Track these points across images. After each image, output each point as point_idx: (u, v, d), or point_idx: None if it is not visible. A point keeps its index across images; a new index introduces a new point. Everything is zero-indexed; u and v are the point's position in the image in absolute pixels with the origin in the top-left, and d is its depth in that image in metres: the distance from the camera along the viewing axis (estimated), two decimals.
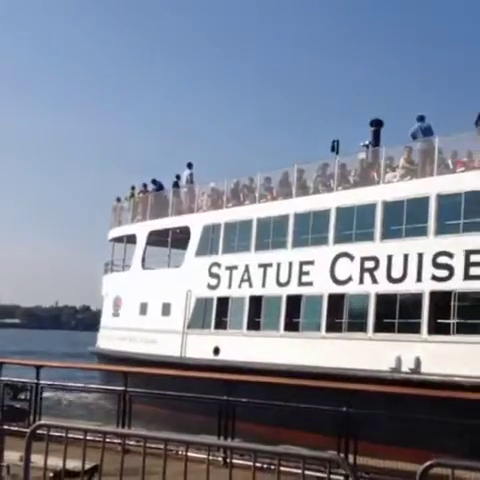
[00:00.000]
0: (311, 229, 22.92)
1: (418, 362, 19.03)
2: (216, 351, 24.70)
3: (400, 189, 20.88)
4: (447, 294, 18.96)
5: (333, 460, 6.20)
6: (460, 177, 19.64)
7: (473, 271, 18.54)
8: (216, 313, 25.40)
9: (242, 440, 10.59)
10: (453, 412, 10.38)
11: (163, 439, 6.64)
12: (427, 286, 19.40)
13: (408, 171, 21.43)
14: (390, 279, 20.32)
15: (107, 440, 7.16)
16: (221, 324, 25.13)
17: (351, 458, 10.53)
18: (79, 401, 27.41)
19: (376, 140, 25.19)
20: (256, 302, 24.05)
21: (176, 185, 30.02)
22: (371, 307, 20.56)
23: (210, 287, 25.86)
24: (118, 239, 32.84)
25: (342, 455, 10.41)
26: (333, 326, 21.49)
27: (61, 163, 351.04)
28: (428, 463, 5.56)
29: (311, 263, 22.57)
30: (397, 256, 20.22)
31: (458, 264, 18.83)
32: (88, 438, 6.73)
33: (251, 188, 26.75)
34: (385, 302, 20.39)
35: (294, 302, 22.77)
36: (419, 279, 19.62)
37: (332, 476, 6.21)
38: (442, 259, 19.22)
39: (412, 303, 19.79)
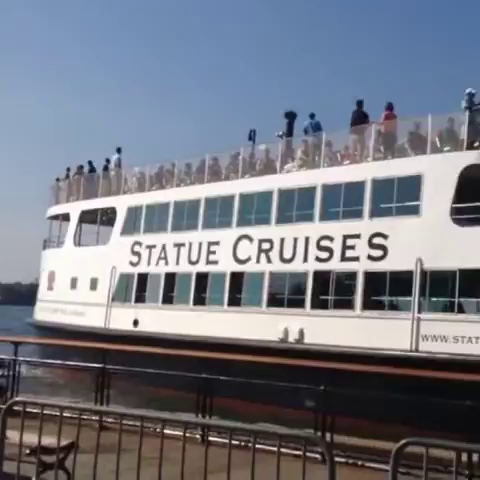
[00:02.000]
0: (218, 213, 25.22)
1: (302, 333, 21.51)
2: (135, 323, 27.01)
3: (293, 179, 23.22)
4: (327, 273, 21.45)
5: (310, 438, 6.20)
6: (341, 170, 22.02)
7: (348, 253, 21.01)
8: (136, 288, 27.68)
9: (220, 417, 10.75)
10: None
11: (139, 416, 6.59)
12: (311, 266, 21.84)
13: (304, 162, 23.77)
14: (282, 259, 22.71)
15: (85, 417, 7.58)
16: (140, 298, 27.44)
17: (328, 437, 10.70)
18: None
19: (289, 131, 27.40)
20: (170, 278, 26.38)
21: (106, 168, 32.09)
22: (265, 284, 22.98)
23: (132, 264, 28.10)
24: (55, 217, 34.89)
25: (319, 433, 10.75)
26: (234, 301, 23.91)
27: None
28: (402, 442, 5.61)
29: (217, 244, 24.90)
30: (288, 239, 22.59)
31: (337, 247, 21.29)
32: (65, 415, 6.67)
33: (173, 173, 28.93)
34: (277, 280, 22.82)
35: (202, 279, 25.14)
36: (305, 260, 22.03)
37: (309, 454, 6.24)
38: (324, 242, 21.64)
39: (299, 281, 22.24)
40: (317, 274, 21.68)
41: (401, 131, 21.74)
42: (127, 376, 16.31)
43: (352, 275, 20.81)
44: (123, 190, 30.28)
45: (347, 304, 20.79)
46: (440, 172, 19.38)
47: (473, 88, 19.48)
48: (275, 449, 5.75)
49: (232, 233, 24.39)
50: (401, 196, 20.18)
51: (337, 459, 9.50)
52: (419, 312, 19.11)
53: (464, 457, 9.80)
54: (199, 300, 25.07)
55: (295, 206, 22.76)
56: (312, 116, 23.89)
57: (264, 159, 25.49)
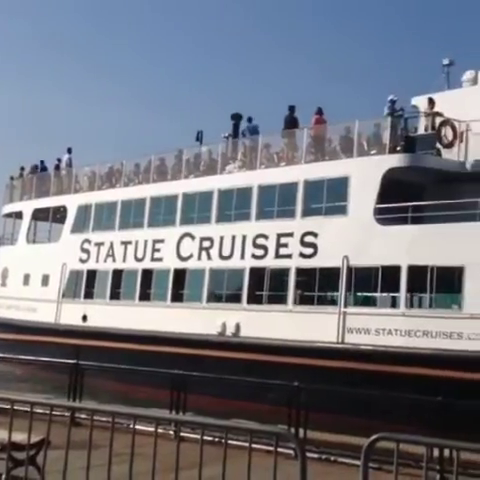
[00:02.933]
0: (163, 212, 26.20)
1: (238, 327, 22.59)
2: (84, 318, 27.89)
3: (232, 179, 24.26)
4: (262, 270, 22.54)
5: (281, 434, 6.16)
6: (276, 171, 23.12)
7: (282, 251, 22.11)
8: (85, 284, 28.55)
9: (194, 414, 10.65)
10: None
11: (111, 412, 6.55)
12: (248, 263, 22.91)
13: (244, 163, 24.82)
14: (221, 257, 23.76)
15: (57, 413, 7.22)
16: (89, 294, 28.33)
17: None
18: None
19: (235, 132, 28.36)
20: (118, 275, 27.31)
21: (57, 167, 32.89)
22: (206, 281, 24.02)
23: (81, 261, 28.96)
24: (9, 215, 35.59)
25: (293, 429, 10.82)
26: (177, 296, 24.92)
27: None
28: (374, 437, 5.62)
29: (162, 242, 25.87)
30: (227, 237, 23.64)
31: (271, 245, 22.38)
32: (37, 411, 6.67)
33: (122, 173, 29.80)
34: (216, 276, 23.87)
35: (147, 275, 26.12)
36: (242, 257, 23.10)
37: (282, 450, 6.26)
38: (260, 240, 22.72)
39: (236, 277, 23.30)
40: (253, 271, 22.75)
41: (335, 134, 22.83)
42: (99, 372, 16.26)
43: (285, 271, 21.90)
44: (74, 189, 31.09)
45: (280, 299, 21.89)
46: (365, 174, 20.54)
47: (395, 95, 20.68)
48: (247, 444, 5.76)
49: (175, 231, 25.37)
50: (330, 197, 21.31)
51: (310, 455, 10.04)
52: (345, 306, 20.28)
53: (436, 452, 9.90)
54: (144, 296, 26.04)
55: (234, 206, 23.82)
56: (250, 120, 24.95)
57: (207, 160, 26.49)
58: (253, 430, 6.01)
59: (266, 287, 22.32)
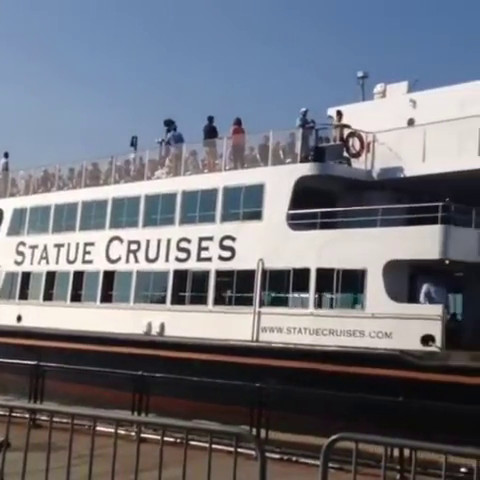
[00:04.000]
0: (94, 216, 27.16)
1: (163, 327, 23.69)
2: (19, 318, 28.71)
3: (158, 185, 25.34)
4: (185, 272, 23.69)
5: (241, 435, 6.12)
6: (198, 178, 24.26)
7: (203, 254, 23.27)
8: (20, 286, 29.37)
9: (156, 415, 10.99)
10: None
11: (70, 413, 6.49)
12: (172, 266, 24.03)
13: (171, 169, 25.90)
14: (147, 259, 24.82)
15: (17, 415, 7.31)
16: (24, 295, 29.16)
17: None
18: None
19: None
20: (51, 277, 28.19)
21: None
22: (133, 283, 25.08)
23: (16, 263, 29.74)
24: None
25: (255, 430, 11.07)
26: (106, 297, 25.93)
27: None
28: (333, 437, 5.68)
29: (92, 244, 26.83)
30: (153, 241, 24.71)
31: (194, 248, 23.52)
32: None
33: (57, 177, 30.64)
34: (143, 278, 24.94)
35: (79, 277, 27.06)
36: (167, 260, 24.20)
37: (243, 451, 6.27)
38: (183, 244, 23.83)
39: (161, 279, 24.40)
40: (176, 273, 23.86)
41: (255, 143, 23.99)
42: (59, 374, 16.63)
43: (206, 274, 23.07)
44: (10, 192, 31.82)
45: (201, 300, 23.06)
46: (278, 182, 21.77)
47: (306, 108, 21.99)
48: (214, 446, 5.82)
49: (105, 235, 26.34)
50: (247, 203, 22.52)
51: (272, 455, 10.25)
52: (260, 307, 21.51)
53: (396, 452, 10.15)
54: (75, 297, 26.98)
55: (159, 211, 24.89)
56: (175, 129, 26.03)
57: (138, 165, 27.50)
58: (213, 431, 6.02)
59: (188, 288, 23.48)
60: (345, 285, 20.17)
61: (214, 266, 22.85)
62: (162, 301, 24.07)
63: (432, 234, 18.75)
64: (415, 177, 20.83)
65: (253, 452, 6.82)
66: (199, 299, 23.13)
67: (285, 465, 10.88)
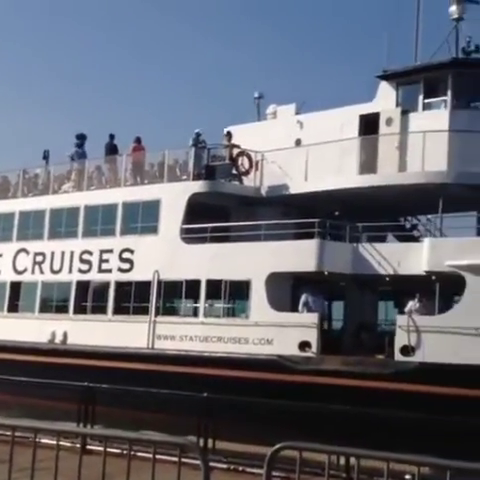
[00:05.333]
0: (1, 228, 28.00)
1: (66, 335, 24.72)
2: None
3: (63, 199, 26.38)
4: (87, 283, 24.81)
5: (184, 445, 6.06)
6: (100, 193, 25.41)
7: (104, 266, 24.43)
8: None
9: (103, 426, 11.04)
10: None
11: (10, 426, 6.36)
12: (75, 277, 25.11)
13: (76, 184, 26.96)
14: (52, 271, 25.83)
15: None
16: None
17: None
18: None
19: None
20: None
21: None
22: (38, 293, 26.06)
23: None
24: None
25: (202, 440, 11.09)
26: (13, 307, 26.83)
27: None
28: (277, 446, 5.74)
29: (0, 256, 27.67)
30: (57, 253, 25.72)
31: (95, 260, 24.65)
32: None
33: None
34: (47, 289, 25.95)
35: None
36: (70, 271, 25.26)
37: (189, 461, 6.24)
38: (85, 256, 24.93)
39: (65, 290, 25.44)
40: (79, 284, 24.95)
41: (155, 161, 25.22)
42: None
43: (106, 285, 24.24)
44: None
45: (102, 309, 24.21)
46: (173, 198, 23.09)
47: (200, 129, 23.41)
48: (158, 456, 5.82)
49: (12, 247, 27.21)
50: (144, 217, 23.76)
51: (218, 465, 10.37)
52: (156, 316, 22.78)
53: (343, 461, 10.21)
54: None
55: (64, 224, 25.93)
56: (82, 145, 27.08)
57: (45, 179, 28.45)
58: (156, 441, 5.94)
59: (90, 299, 24.60)
60: (232, 295, 21.60)
61: (114, 277, 24.02)
62: (65, 311, 25.10)
63: (309, 248, 20.31)
64: (300, 194, 22.40)
65: (199, 462, 6.78)
66: (100, 309, 24.28)
67: (232, 475, 10.97)
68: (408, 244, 20.85)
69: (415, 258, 19.32)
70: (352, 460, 9.43)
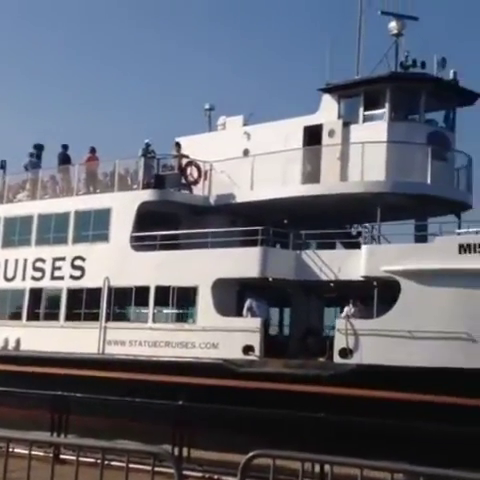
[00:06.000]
0: None
1: (19, 342, 25.13)
2: None
3: (15, 208, 26.83)
4: (40, 290, 25.28)
5: (157, 454, 6.05)
6: (53, 202, 25.90)
7: (56, 273, 24.91)
8: None
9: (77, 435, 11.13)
10: None
11: None
12: (28, 284, 25.55)
13: (30, 193, 27.42)
14: (6, 278, 26.23)
15: None
16: None
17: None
18: None
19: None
20: None
21: None
22: None
23: None
24: None
25: (177, 448, 11.24)
26: None
27: None
28: (250, 454, 5.76)
29: None
30: (11, 261, 26.14)
31: (48, 268, 25.13)
32: None
33: None
34: (1, 296, 26.35)
35: None
36: (24, 279, 25.70)
37: (164, 470, 6.29)
38: (39, 264, 25.39)
39: (19, 297, 25.87)
40: (32, 291, 25.40)
41: (108, 170, 25.78)
42: None
43: (58, 292, 24.73)
44: None
45: (54, 316, 24.69)
46: (123, 207, 23.67)
47: (150, 139, 24.06)
48: (130, 465, 5.79)
49: None
50: (96, 226, 24.29)
51: (193, 474, 10.65)
52: (106, 322, 23.31)
53: (317, 468, 10.43)
54: None
55: (17, 232, 26.36)
56: (31, 155, 27.57)
57: (0, 189, 28.84)
58: (130, 450, 5.91)
59: (43, 305, 25.08)
60: (180, 301, 22.19)
61: (66, 284, 24.52)
62: (18, 317, 25.51)
63: (253, 255, 21.00)
64: (246, 203, 23.14)
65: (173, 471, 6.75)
66: (52, 315, 24.75)
67: None
68: (348, 251, 21.62)
69: (354, 264, 20.05)
70: (326, 467, 9.41)
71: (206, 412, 14.51)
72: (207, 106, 27.01)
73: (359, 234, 25.67)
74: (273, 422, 15.08)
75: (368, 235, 22.25)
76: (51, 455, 9.50)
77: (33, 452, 6.53)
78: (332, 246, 23.80)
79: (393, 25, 22.36)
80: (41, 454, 7.25)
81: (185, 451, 12.58)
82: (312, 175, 22.43)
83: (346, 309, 20.24)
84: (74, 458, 7.41)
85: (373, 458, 6.76)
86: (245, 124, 24.90)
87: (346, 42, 23.78)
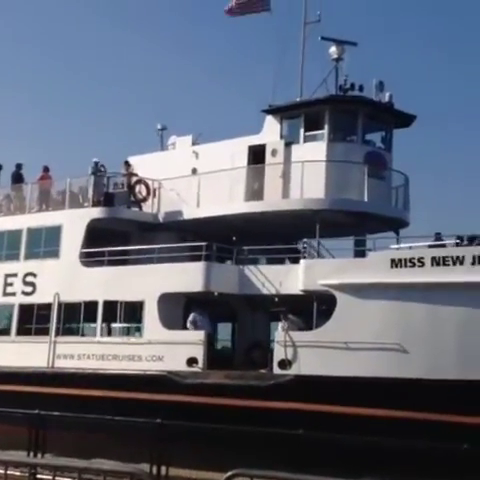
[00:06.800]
0: None
1: None
2: None
3: None
4: None
5: (133, 473, 6.08)
6: (6, 219, 26.46)
7: (8, 289, 25.43)
8: None
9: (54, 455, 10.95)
10: None
11: None
12: None
13: None
14: None
15: None
16: None
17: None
18: None
19: None
20: None
21: None
22: None
23: None
24: None
25: (155, 467, 11.01)
26: None
27: None
28: (229, 473, 5.78)
29: None
30: None
31: (0, 284, 25.63)
32: None
33: None
34: None
35: None
36: None
37: None
38: None
39: None
40: None
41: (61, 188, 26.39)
42: None
43: (10, 307, 25.23)
44: None
45: (6, 331, 25.19)
46: (73, 224, 24.30)
47: (98, 158, 24.75)
48: None
49: None
50: (47, 242, 24.89)
51: None
52: (56, 336, 23.85)
53: None
54: None
55: None
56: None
57: None
58: (106, 471, 5.85)
59: None
60: (127, 315, 22.81)
61: (18, 300, 25.05)
62: None
63: (197, 270, 21.70)
64: (194, 219, 23.89)
65: None
66: (4, 331, 25.25)
67: None
68: (288, 266, 22.37)
69: (294, 279, 20.84)
70: None
71: (185, 430, 14.88)
72: (159, 126, 27.78)
73: (304, 249, 26.52)
74: (250, 439, 15.58)
75: (307, 250, 22.99)
76: (27, 475, 9.99)
77: (9, 472, 6.58)
78: (281, 261, 24.55)
79: (333, 50, 23.34)
80: (17, 474, 7.16)
81: (163, 469, 12.69)
82: (256, 193, 23.22)
83: (281, 323, 20.95)
84: (50, 477, 7.87)
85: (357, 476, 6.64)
86: (194, 144, 25.68)
87: (292, 65, 24.72)
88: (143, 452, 12.58)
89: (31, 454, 13.01)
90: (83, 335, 23.61)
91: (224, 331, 26.64)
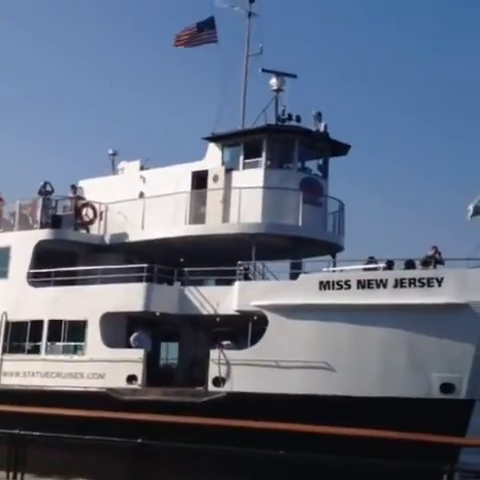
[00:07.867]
0: None
1: None
2: None
3: None
4: None
5: None
6: None
7: None
8: None
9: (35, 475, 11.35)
10: None
11: None
12: None
13: None
14: None
15: None
16: None
17: None
18: None
19: None
20: None
21: None
22: None
23: None
24: None
25: None
26: None
27: None
28: None
29: None
30: None
31: None
32: None
33: None
34: None
35: None
36: None
37: None
38: None
39: None
40: None
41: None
42: None
43: None
44: None
45: None
46: (22, 245, 25.09)
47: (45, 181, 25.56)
48: None
49: None
50: None
51: None
52: (2, 354, 24.55)
53: None
54: None
55: None
56: None
57: None
58: None
59: None
60: (70, 334, 23.57)
61: None
62: None
63: (137, 290, 22.57)
64: (138, 242, 24.77)
65: None
66: None
67: None
68: (225, 287, 23.18)
69: (229, 299, 21.78)
70: None
71: (166, 450, 15.78)
72: (111, 151, 28.66)
73: (246, 271, 27.43)
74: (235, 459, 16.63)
75: (250, 272, 23.93)
76: None
77: None
78: (228, 283, 25.41)
79: (273, 81, 24.46)
80: None
81: None
82: (199, 216, 24.19)
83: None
84: None
85: None
86: (142, 168, 26.61)
87: (235, 94, 25.79)
88: (121, 471, 13.40)
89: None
90: (29, 353, 24.32)
91: (173, 350, 27.44)
